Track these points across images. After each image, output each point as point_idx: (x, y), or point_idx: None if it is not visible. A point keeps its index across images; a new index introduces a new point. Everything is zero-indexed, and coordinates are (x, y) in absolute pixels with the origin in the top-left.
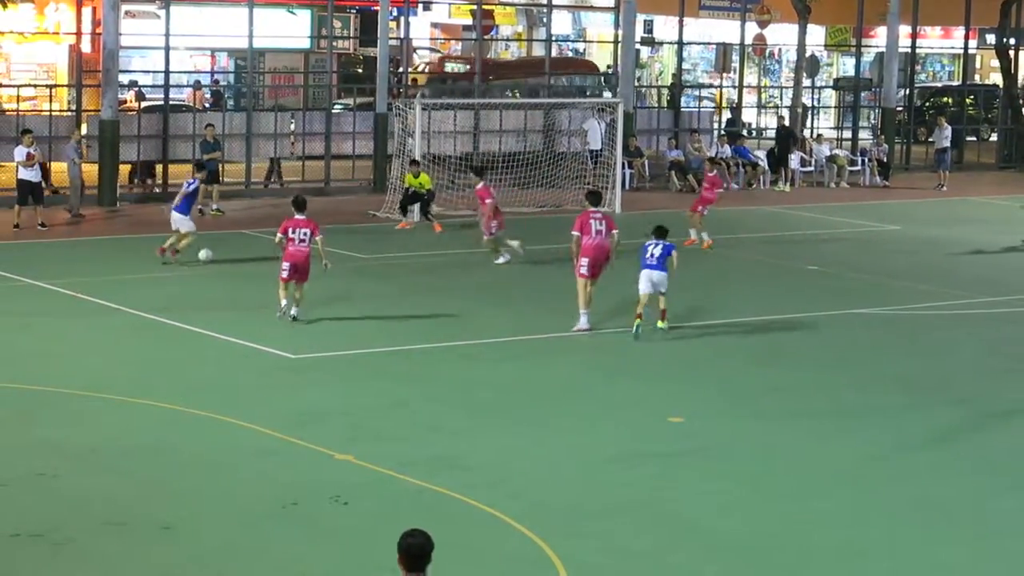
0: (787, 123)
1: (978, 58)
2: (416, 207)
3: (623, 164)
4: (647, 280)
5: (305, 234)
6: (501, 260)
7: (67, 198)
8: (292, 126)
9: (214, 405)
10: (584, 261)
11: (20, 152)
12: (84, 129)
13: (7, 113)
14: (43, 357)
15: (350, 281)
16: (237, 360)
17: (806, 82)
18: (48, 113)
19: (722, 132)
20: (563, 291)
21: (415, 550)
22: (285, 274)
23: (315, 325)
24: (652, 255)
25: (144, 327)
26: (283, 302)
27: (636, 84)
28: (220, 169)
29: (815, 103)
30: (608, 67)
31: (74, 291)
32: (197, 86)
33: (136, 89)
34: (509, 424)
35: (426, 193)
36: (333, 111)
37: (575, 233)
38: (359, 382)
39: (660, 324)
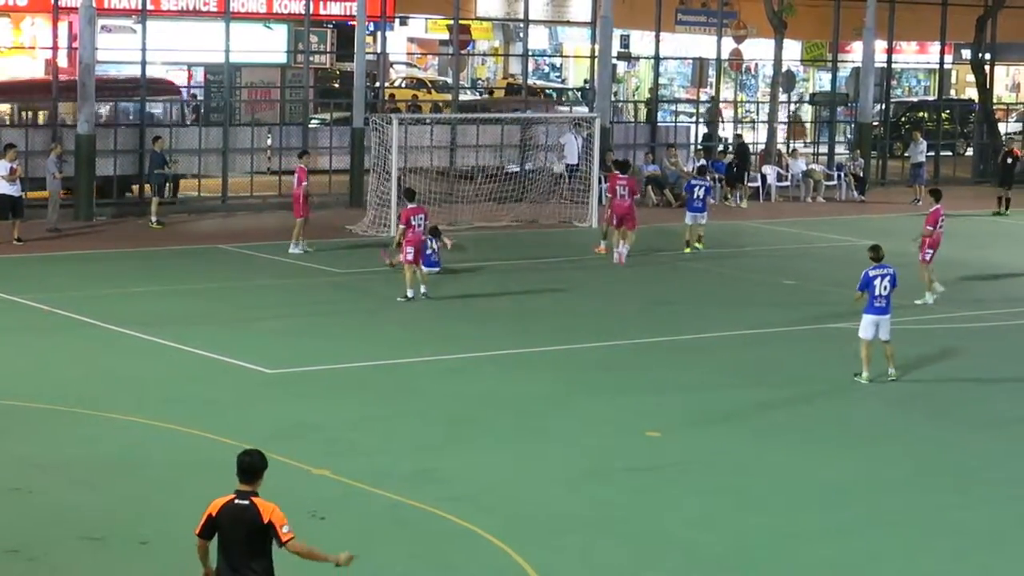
0: (744, 138)
1: (954, 73)
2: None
3: (600, 178)
4: (692, 217)
5: (421, 219)
6: (410, 294)
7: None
8: (269, 141)
9: (190, 419)
10: (609, 214)
11: (3, 167)
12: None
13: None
14: (16, 371)
15: (327, 295)
16: (213, 374)
17: (782, 97)
18: (24, 127)
19: (698, 147)
20: (540, 306)
21: (244, 466)
22: (411, 257)
23: (291, 339)
24: (698, 196)
25: (120, 341)
26: (409, 291)
27: (613, 99)
28: (167, 183)
29: (791, 118)
30: (585, 82)
31: (50, 306)
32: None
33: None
34: (486, 438)
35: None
36: (310, 126)
37: (609, 195)
38: (335, 396)
39: (698, 245)
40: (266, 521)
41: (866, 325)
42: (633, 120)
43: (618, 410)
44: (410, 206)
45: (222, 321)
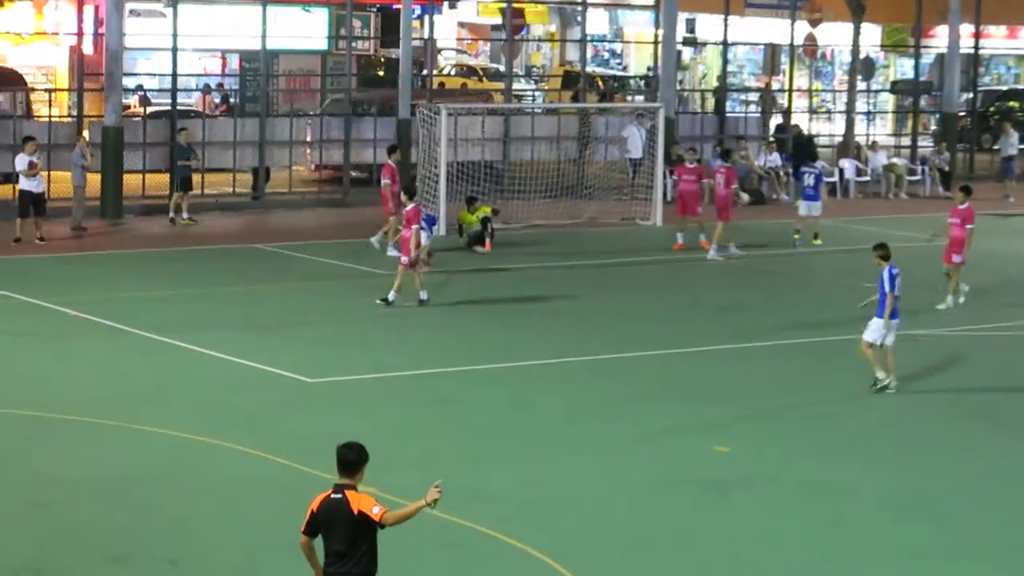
0: (804, 131)
1: None
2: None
3: (664, 173)
4: (805, 207)
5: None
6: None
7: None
8: (308, 133)
9: (223, 432)
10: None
11: (22, 161)
12: (87, 135)
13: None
14: (40, 381)
15: (370, 299)
16: (249, 384)
17: (861, 85)
18: (47, 119)
19: (770, 139)
20: (597, 309)
21: (342, 458)
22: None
23: (333, 346)
24: (808, 184)
25: (149, 348)
26: (423, 293)
27: (678, 88)
28: (193, 177)
29: (871, 108)
30: (648, 69)
31: (74, 309)
32: (206, 90)
33: (141, 93)
34: (539, 451)
35: (489, 218)
36: (352, 117)
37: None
38: (380, 407)
39: (816, 241)
40: (356, 512)
41: (879, 328)
42: (700, 111)
43: (679, 421)
44: (411, 205)
45: (258, 326)
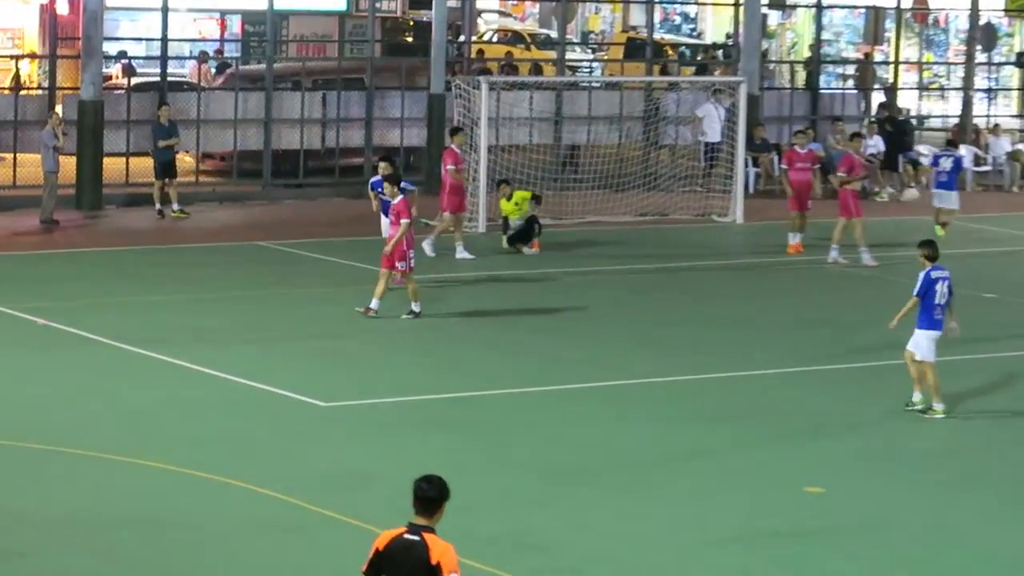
0: (899, 113)
1: None
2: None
3: (746, 161)
4: (938, 197)
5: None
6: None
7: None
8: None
9: (221, 465)
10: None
11: None
12: (60, 111)
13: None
14: (4, 402)
15: (396, 309)
16: (252, 408)
17: (980, 57)
18: (12, 91)
19: (873, 120)
20: (662, 325)
21: (420, 494)
22: (413, 263)
23: (350, 364)
24: (944, 170)
25: (131, 364)
26: (415, 305)
27: (763, 59)
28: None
29: (992, 84)
30: (728, 36)
31: (43, 318)
32: (202, 58)
33: (125, 61)
34: (596, 492)
35: (537, 218)
36: (375, 90)
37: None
38: (407, 437)
39: (939, 232)
40: (434, 562)
41: (920, 341)
42: (789, 86)
43: (763, 457)
44: (399, 197)
45: (263, 339)
